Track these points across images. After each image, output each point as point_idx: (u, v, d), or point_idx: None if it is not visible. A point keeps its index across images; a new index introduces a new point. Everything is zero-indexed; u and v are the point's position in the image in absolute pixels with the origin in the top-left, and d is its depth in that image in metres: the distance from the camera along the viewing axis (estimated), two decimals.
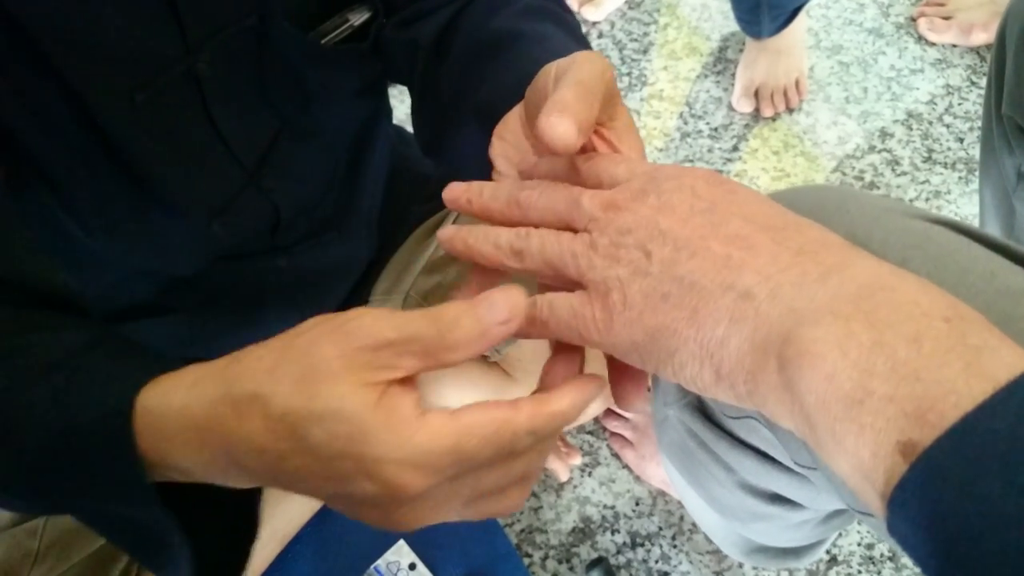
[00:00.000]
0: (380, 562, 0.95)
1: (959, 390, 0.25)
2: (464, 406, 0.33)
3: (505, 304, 0.33)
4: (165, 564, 0.42)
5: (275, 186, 0.64)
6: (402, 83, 0.65)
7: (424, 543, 0.96)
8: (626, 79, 1.34)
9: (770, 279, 0.30)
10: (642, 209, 0.34)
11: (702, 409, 0.55)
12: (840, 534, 0.97)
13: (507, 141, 0.46)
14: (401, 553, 0.95)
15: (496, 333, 0.33)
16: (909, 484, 0.25)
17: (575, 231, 0.36)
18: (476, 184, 0.41)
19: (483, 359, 0.87)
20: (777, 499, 0.57)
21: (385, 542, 0.96)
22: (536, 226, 0.37)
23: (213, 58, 0.52)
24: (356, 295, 0.87)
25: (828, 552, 0.95)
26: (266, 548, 0.91)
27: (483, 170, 0.48)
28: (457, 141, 0.56)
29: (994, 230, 0.86)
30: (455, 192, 0.41)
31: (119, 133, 0.52)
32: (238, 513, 0.44)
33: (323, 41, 0.58)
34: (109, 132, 0.51)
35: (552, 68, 0.42)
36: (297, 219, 0.69)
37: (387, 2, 0.60)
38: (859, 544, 0.96)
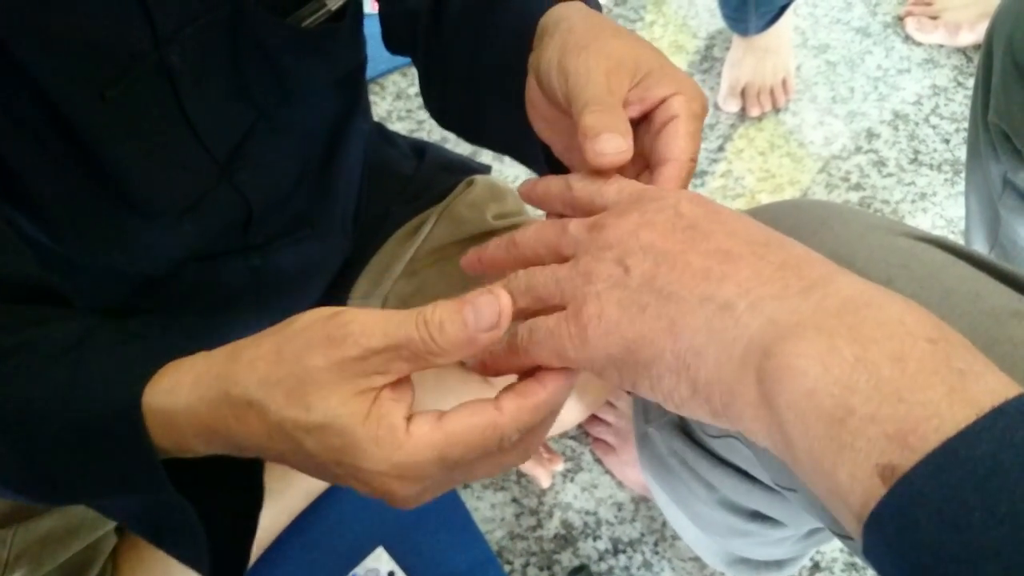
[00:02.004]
0: (359, 569, 0.94)
1: (942, 414, 0.24)
2: (450, 412, 0.34)
3: (490, 310, 0.34)
4: (178, 542, 0.43)
5: (246, 180, 0.63)
6: (406, 54, 0.66)
7: (403, 550, 0.95)
8: None
9: (751, 292, 0.30)
10: (624, 225, 0.34)
11: (683, 427, 0.54)
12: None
13: (543, 119, 0.47)
14: (380, 560, 0.94)
15: (483, 340, 0.34)
16: (887, 508, 0.24)
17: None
18: (483, 245, 0.42)
19: (463, 366, 0.86)
20: (757, 516, 0.57)
21: (364, 548, 0.95)
22: (535, 264, 0.38)
23: (185, 50, 0.51)
24: (333, 297, 0.85)
25: (811, 559, 0.95)
26: (277, 519, 0.90)
27: (505, 133, 0.50)
28: (473, 107, 0.56)
29: (979, 236, 0.85)
30: (469, 261, 0.43)
31: (89, 131, 0.50)
32: (244, 481, 0.45)
33: (301, 26, 0.56)
34: (79, 130, 0.50)
35: (547, 23, 0.44)
36: (270, 215, 0.68)
37: None
38: (842, 550, 0.95)
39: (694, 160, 0.41)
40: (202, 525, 0.41)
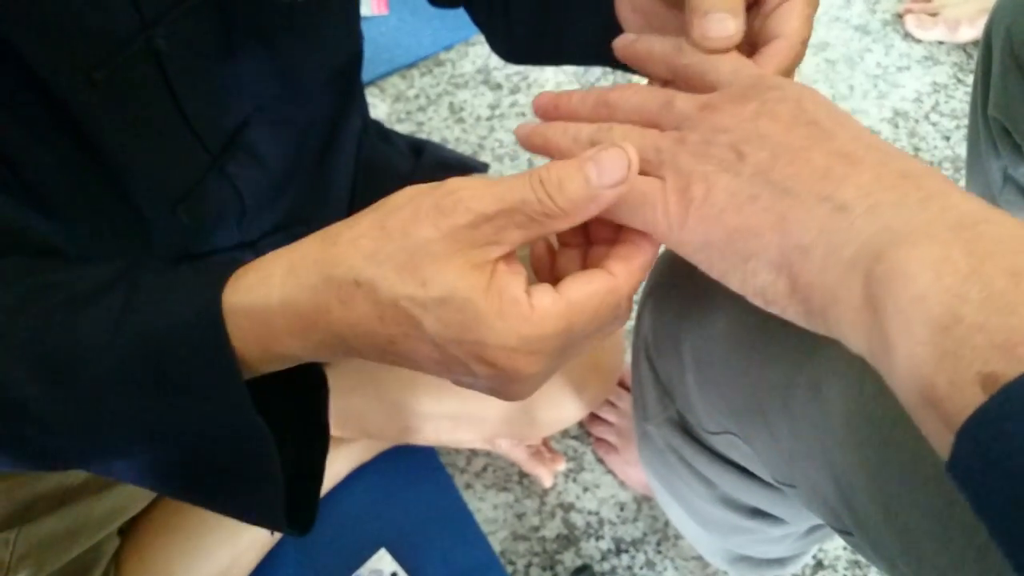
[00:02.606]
0: (362, 570, 0.94)
1: None
2: (566, 282, 0.33)
3: (617, 164, 0.32)
4: (247, 491, 0.40)
5: (239, 172, 0.62)
6: (460, 3, 0.65)
7: (406, 552, 0.95)
8: (610, 77, 1.32)
9: (870, 196, 0.29)
10: (742, 112, 0.33)
11: (682, 424, 0.53)
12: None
13: (639, 11, 0.45)
14: (383, 562, 0.94)
15: (607, 197, 0.32)
16: (985, 415, 0.23)
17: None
18: (565, 92, 0.40)
19: None
20: (757, 513, 0.56)
21: (367, 550, 0.95)
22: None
23: (173, 34, 0.50)
24: None
25: (814, 557, 0.94)
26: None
27: (588, 42, 0.48)
28: (546, 22, 0.54)
29: None
30: (543, 99, 0.40)
31: (84, 117, 0.50)
32: (308, 426, 0.42)
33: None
34: (75, 117, 0.50)
35: None
36: (263, 210, 0.68)
37: None
38: (845, 548, 0.95)
39: (804, 44, 0.39)
40: (277, 454, 0.37)
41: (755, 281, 0.31)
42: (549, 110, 0.40)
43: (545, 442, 1.00)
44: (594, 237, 0.38)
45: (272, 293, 0.34)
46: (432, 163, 0.93)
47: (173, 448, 0.39)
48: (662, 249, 0.36)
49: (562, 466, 1.00)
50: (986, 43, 0.78)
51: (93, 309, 0.37)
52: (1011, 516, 0.23)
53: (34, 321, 0.37)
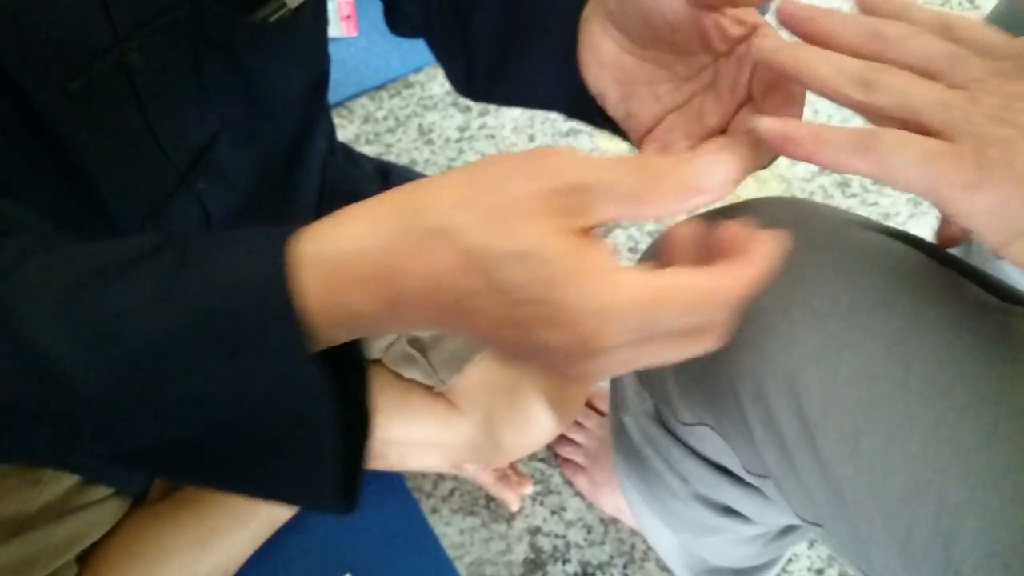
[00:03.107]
0: None
1: None
2: (662, 270, 0.32)
3: (716, 175, 0.32)
4: (298, 459, 0.38)
5: (206, 189, 0.62)
6: (412, 32, 0.64)
7: None
8: None
9: None
10: None
11: (658, 418, 0.53)
12: (790, 559, 0.95)
13: (606, 68, 0.44)
14: None
15: (696, 203, 0.32)
16: None
17: None
18: (827, 9, 0.37)
19: (427, 391, 0.85)
20: (729, 512, 0.56)
21: (333, 575, 0.93)
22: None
23: (144, 48, 0.50)
24: None
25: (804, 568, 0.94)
26: (242, 549, 0.87)
27: (551, 92, 0.48)
28: (505, 65, 0.53)
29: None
30: (795, 8, 0.36)
31: (57, 126, 0.49)
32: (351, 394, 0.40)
33: (251, 20, 0.56)
34: (49, 125, 0.49)
35: None
36: (228, 228, 0.67)
37: None
38: (809, 569, 0.95)
39: None
40: (339, 416, 0.36)
41: None
42: (803, 23, 0.37)
43: (512, 465, 0.99)
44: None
45: (347, 239, 0.33)
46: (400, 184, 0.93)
47: (224, 412, 0.36)
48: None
49: (529, 489, 0.99)
50: None
51: (135, 272, 0.35)
52: None
53: (67, 287, 0.35)
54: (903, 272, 0.41)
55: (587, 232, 0.32)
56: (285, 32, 0.58)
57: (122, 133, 0.54)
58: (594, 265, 0.31)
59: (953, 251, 0.86)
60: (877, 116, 0.35)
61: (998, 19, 0.77)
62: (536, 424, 0.84)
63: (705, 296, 0.31)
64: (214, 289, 0.34)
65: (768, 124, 0.34)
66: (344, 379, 0.38)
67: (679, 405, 0.49)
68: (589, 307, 0.30)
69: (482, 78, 0.58)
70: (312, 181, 0.78)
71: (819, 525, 0.44)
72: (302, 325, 0.33)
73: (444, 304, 0.32)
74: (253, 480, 0.39)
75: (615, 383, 0.54)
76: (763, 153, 0.36)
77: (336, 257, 0.33)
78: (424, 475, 1.01)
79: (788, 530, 0.62)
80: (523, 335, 0.32)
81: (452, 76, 0.61)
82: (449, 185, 0.33)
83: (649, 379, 0.51)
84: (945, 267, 0.43)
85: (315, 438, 0.37)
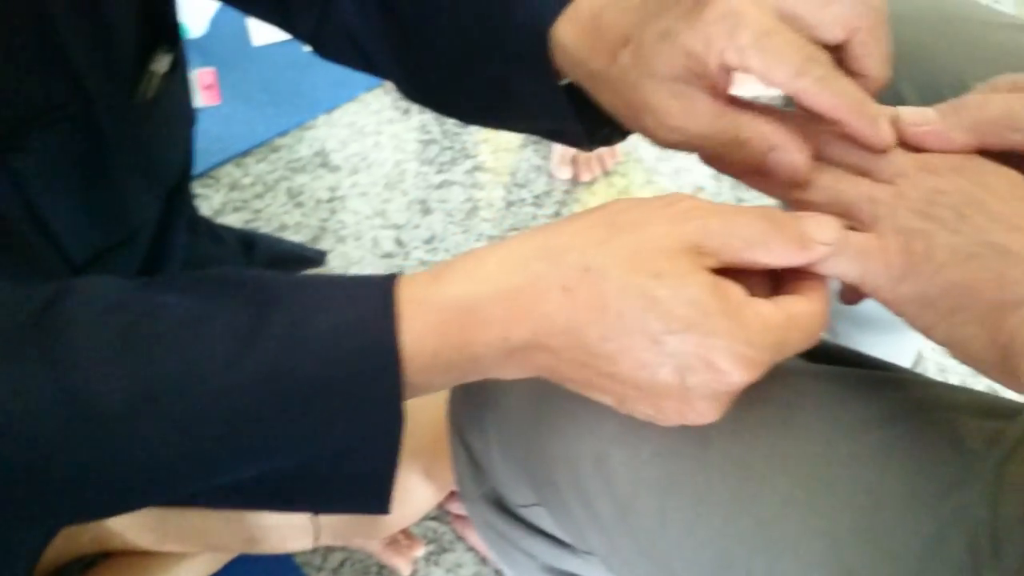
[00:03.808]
0: None
1: None
2: (783, 298, 0.34)
3: (829, 229, 0.34)
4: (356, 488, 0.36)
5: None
6: (348, 61, 0.58)
7: None
8: (448, 152, 1.34)
9: None
10: (959, 180, 0.35)
11: (497, 500, 0.54)
12: None
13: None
14: None
15: (817, 252, 0.34)
16: None
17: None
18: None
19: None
20: None
21: None
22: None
23: (30, 154, 0.48)
24: None
25: None
26: None
27: (525, 106, 0.45)
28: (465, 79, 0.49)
29: None
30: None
31: None
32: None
33: (134, 100, 0.55)
34: None
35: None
36: None
37: (288, 11, 0.55)
38: None
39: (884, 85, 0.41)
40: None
41: (960, 333, 0.33)
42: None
43: (403, 529, 0.98)
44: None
45: (485, 281, 0.33)
46: (263, 259, 0.92)
47: (290, 460, 0.35)
48: None
49: (421, 551, 0.98)
50: None
51: (207, 330, 0.33)
52: None
53: (122, 331, 0.32)
54: None
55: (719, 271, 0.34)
56: (162, 106, 0.57)
57: (12, 234, 0.50)
58: (735, 301, 0.33)
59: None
60: (811, 210, 0.37)
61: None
62: (413, 495, 0.83)
63: (818, 321, 0.34)
64: (300, 343, 0.32)
65: None
66: None
67: (511, 490, 0.50)
68: (738, 343, 0.32)
69: (446, 99, 0.54)
70: (176, 261, 0.76)
71: None
72: (406, 375, 0.32)
73: (587, 345, 0.32)
74: (294, 501, 0.38)
75: (454, 469, 0.55)
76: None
77: (473, 297, 0.33)
78: (313, 549, 0.99)
79: None
80: (659, 376, 0.32)
81: (423, 98, 0.57)
82: (589, 227, 0.34)
83: (483, 464, 0.52)
84: None
85: (374, 459, 0.36)
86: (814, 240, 0.35)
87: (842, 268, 0.35)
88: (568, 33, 0.42)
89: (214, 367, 0.32)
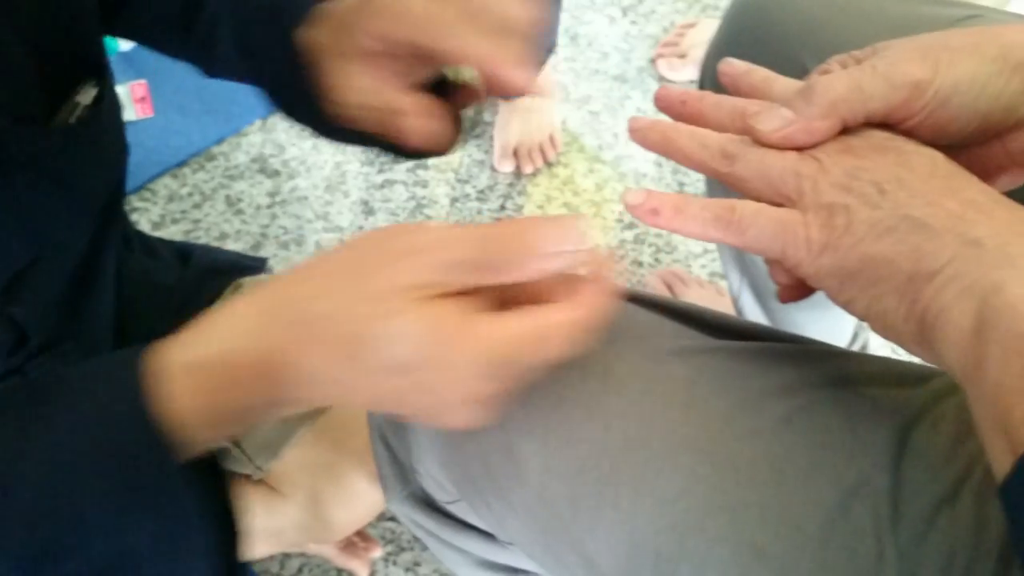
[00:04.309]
0: None
1: None
2: (526, 309, 0.34)
3: (569, 235, 0.34)
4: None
5: (18, 310, 0.59)
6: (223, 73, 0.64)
7: None
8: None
9: (1002, 237, 0.32)
10: (881, 160, 0.36)
11: (424, 499, 0.54)
12: None
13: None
14: None
15: (552, 265, 0.34)
16: None
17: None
18: (698, 92, 0.41)
19: (247, 480, 0.83)
20: (514, 571, 0.57)
21: None
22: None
23: None
24: None
25: None
26: None
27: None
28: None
29: (732, 269, 0.89)
30: (669, 93, 0.42)
31: None
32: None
33: (52, 126, 0.54)
34: None
35: None
36: (46, 343, 0.64)
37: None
38: None
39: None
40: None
41: (879, 306, 0.34)
42: (674, 105, 0.42)
43: (358, 531, 0.98)
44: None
45: (216, 341, 0.34)
46: (200, 269, 0.91)
47: (116, 540, 0.36)
48: None
49: (379, 552, 0.98)
50: (700, 87, 0.84)
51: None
52: None
53: None
54: (603, 330, 0.43)
55: (451, 295, 0.34)
56: (88, 130, 0.56)
57: None
58: (455, 324, 0.33)
59: (740, 284, 0.90)
60: (741, 186, 0.38)
61: (711, 56, 0.82)
62: (362, 498, 0.83)
63: (565, 327, 0.34)
64: (74, 429, 0.34)
65: (634, 197, 0.37)
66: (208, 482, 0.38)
67: (435, 487, 0.50)
68: (467, 360, 0.33)
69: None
70: (110, 277, 0.75)
71: None
72: (174, 437, 0.34)
73: (324, 383, 0.34)
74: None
75: (378, 471, 0.55)
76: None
77: (209, 359, 0.34)
78: (270, 556, 0.98)
79: None
80: (408, 398, 0.34)
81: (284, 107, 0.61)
82: (304, 279, 0.35)
83: (407, 464, 0.52)
84: (655, 312, 0.46)
85: (199, 547, 0.38)
86: (544, 249, 0.34)
87: (764, 243, 0.36)
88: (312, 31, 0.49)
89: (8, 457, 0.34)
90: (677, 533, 0.39)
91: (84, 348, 0.72)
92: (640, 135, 0.41)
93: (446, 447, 0.45)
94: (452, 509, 0.52)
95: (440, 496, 0.50)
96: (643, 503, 0.39)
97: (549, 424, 0.41)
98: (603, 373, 0.41)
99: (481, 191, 1.31)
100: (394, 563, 0.99)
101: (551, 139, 1.33)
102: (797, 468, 0.39)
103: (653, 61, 1.47)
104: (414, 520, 0.55)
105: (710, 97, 0.41)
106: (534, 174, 1.33)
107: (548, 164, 1.33)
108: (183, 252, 0.94)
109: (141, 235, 0.91)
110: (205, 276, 0.90)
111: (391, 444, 0.52)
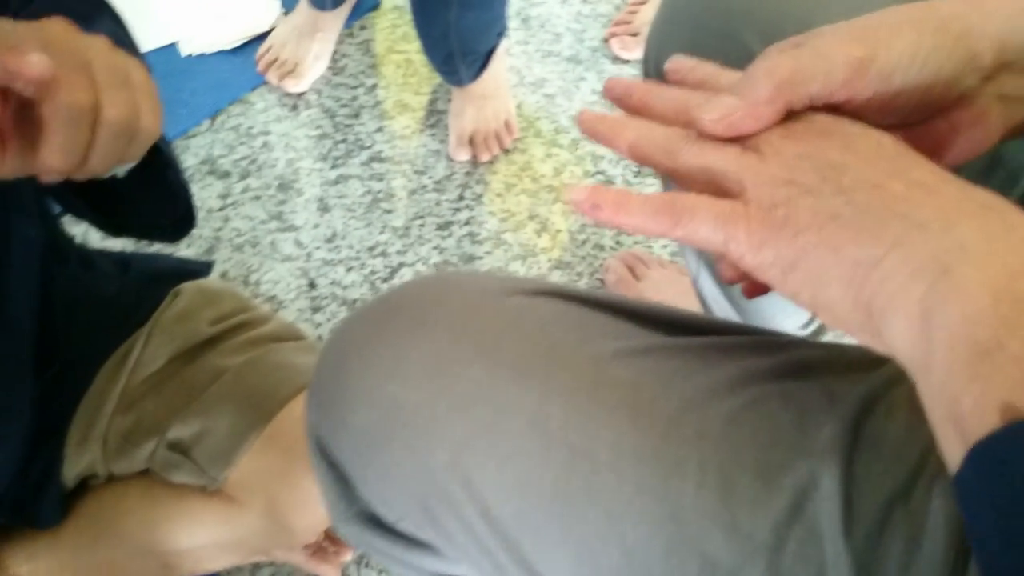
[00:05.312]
0: None
1: None
2: None
3: None
4: None
5: None
6: None
7: None
8: (343, 146, 1.31)
9: (949, 218, 0.30)
10: (824, 144, 0.35)
11: (371, 518, 0.52)
12: None
13: None
14: None
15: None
16: (996, 440, 0.25)
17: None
18: (645, 83, 0.40)
19: (202, 491, 0.81)
20: None
21: None
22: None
23: None
24: (44, 447, 0.78)
25: None
26: None
27: None
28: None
29: (690, 250, 0.88)
30: (617, 85, 0.41)
31: None
32: None
33: None
34: None
35: None
36: None
37: None
38: None
39: None
40: None
41: (824, 295, 0.32)
42: (621, 97, 0.41)
43: (328, 534, 0.97)
44: None
45: None
46: (140, 278, 0.89)
47: None
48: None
49: (350, 556, 0.96)
50: (645, 68, 0.82)
51: None
52: (990, 541, 0.24)
53: None
54: (540, 335, 0.42)
55: None
56: None
57: None
58: None
59: (699, 264, 0.88)
60: (685, 180, 0.37)
61: (654, 35, 0.80)
62: (320, 501, 0.82)
63: None
64: None
65: (576, 193, 0.36)
66: None
67: (380, 505, 0.48)
68: None
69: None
70: (25, 296, 0.72)
71: None
72: None
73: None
74: None
75: (321, 491, 0.53)
76: None
77: None
78: (239, 567, 0.97)
79: None
80: None
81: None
82: None
83: (352, 482, 0.50)
84: (593, 311, 0.44)
85: None
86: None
87: (706, 236, 0.35)
88: None
89: None
90: (624, 547, 0.37)
91: None
92: (589, 128, 0.40)
93: (390, 467, 0.44)
94: (403, 527, 0.50)
95: (388, 515, 0.49)
96: (590, 517, 0.38)
97: (492, 439, 0.40)
98: (545, 381, 0.40)
99: (438, 181, 1.29)
100: (366, 565, 0.98)
101: (507, 125, 1.30)
102: (745, 471, 0.38)
103: (606, 41, 1.45)
104: (362, 541, 0.53)
105: (656, 89, 0.41)
106: (492, 162, 1.30)
107: (505, 151, 1.31)
108: (122, 262, 0.91)
109: (80, 249, 0.89)
110: (146, 285, 0.88)
111: (335, 462, 0.50)
